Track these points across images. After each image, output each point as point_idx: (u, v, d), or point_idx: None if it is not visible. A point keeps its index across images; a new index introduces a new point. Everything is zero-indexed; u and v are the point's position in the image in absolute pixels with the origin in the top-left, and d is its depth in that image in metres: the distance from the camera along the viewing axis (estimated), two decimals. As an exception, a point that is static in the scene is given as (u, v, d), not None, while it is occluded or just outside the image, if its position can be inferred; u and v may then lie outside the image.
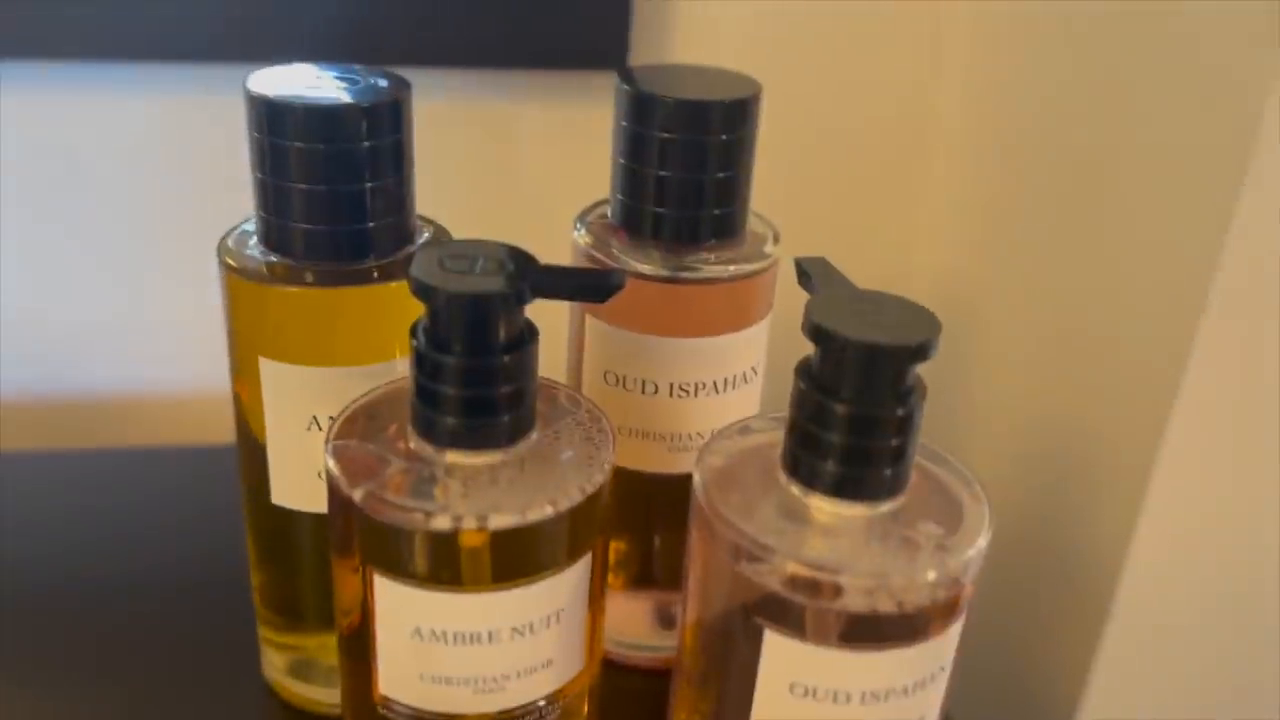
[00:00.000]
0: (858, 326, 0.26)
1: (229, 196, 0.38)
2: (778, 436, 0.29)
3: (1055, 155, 0.44)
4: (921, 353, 0.25)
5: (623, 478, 0.38)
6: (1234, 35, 0.34)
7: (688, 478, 0.29)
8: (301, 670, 0.38)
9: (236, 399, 0.34)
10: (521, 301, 0.26)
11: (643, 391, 0.35)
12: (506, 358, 0.27)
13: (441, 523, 0.27)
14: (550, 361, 0.32)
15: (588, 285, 0.27)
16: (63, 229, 0.50)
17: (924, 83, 0.52)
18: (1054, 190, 0.44)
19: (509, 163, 0.52)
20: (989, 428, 0.49)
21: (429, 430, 0.28)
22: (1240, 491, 0.39)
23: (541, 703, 0.30)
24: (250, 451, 0.35)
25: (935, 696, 0.29)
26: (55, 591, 0.43)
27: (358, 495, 0.27)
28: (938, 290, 0.54)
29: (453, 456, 0.28)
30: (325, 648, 0.37)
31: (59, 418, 0.54)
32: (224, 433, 0.40)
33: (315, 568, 0.36)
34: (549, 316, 0.31)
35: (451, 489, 0.27)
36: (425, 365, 0.27)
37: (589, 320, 0.36)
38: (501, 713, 0.29)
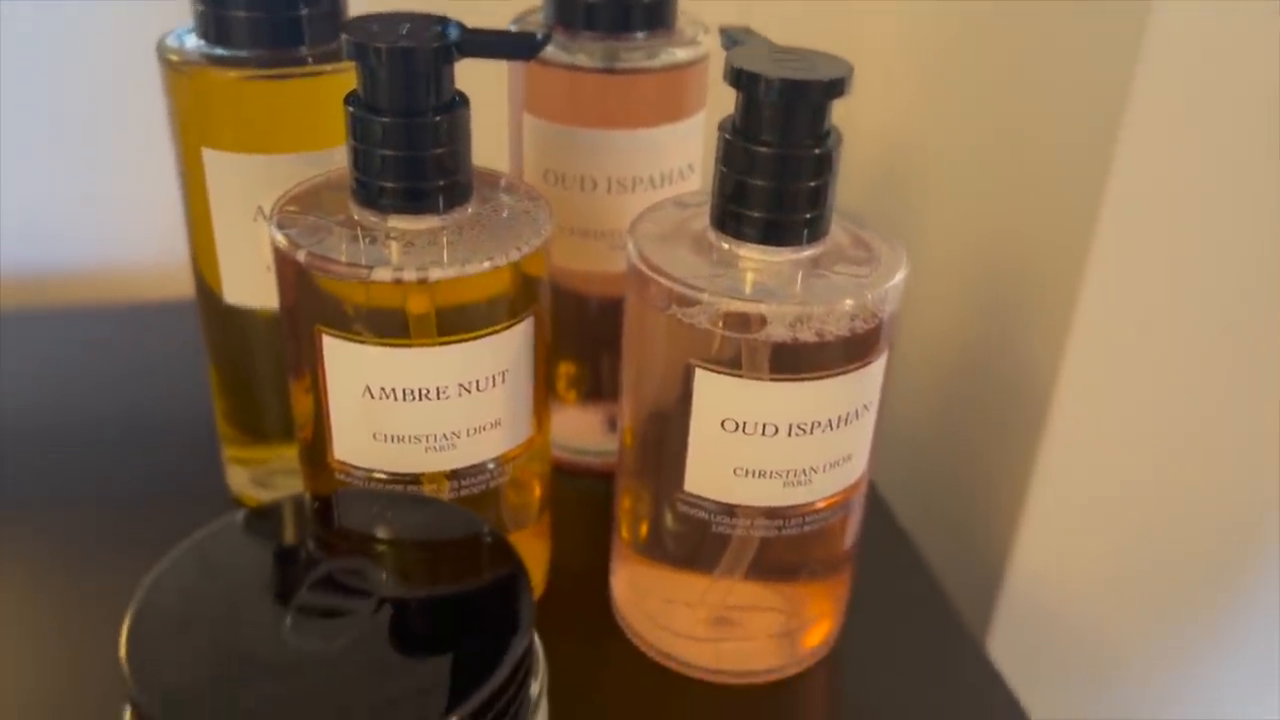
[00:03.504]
0: (776, 70, 0.27)
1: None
2: (707, 209, 0.30)
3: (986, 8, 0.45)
4: (836, 88, 0.26)
5: (571, 305, 0.40)
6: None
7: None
8: (263, 480, 0.39)
9: (186, 210, 0.35)
10: (450, 57, 0.27)
11: (582, 188, 0.36)
12: (439, 118, 0.28)
13: (383, 275, 0.28)
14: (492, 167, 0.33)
15: (513, 43, 0.28)
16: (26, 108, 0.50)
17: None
18: (984, 39, 0.45)
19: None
20: (932, 261, 0.51)
21: (369, 197, 0.29)
22: (1157, 310, 0.41)
23: (491, 464, 0.31)
24: (203, 264, 0.36)
25: (861, 437, 0.30)
26: (38, 432, 0.44)
27: (302, 255, 0.28)
28: (881, 140, 0.55)
29: (394, 221, 0.29)
30: (283, 457, 0.39)
31: (28, 291, 0.55)
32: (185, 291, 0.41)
33: (270, 381, 0.38)
34: (487, 120, 0.32)
35: (393, 248, 0.28)
36: (361, 130, 0.28)
37: (527, 119, 0.36)
38: (453, 472, 0.31)
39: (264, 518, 0.28)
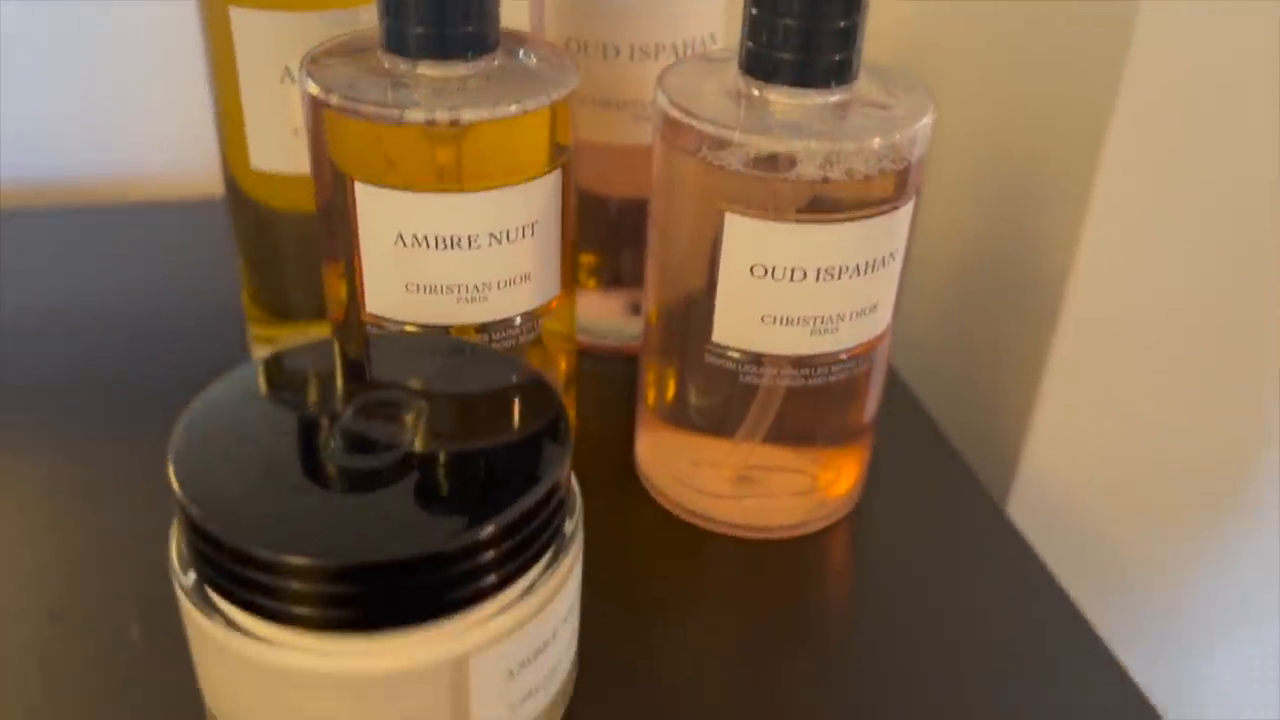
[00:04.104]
0: (806, -94, 0.27)
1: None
2: (734, 63, 0.30)
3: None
4: (867, -79, 0.26)
5: (592, 207, 0.40)
6: None
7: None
8: (290, 356, 0.40)
9: (211, 76, 0.35)
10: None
11: (604, 56, 0.36)
12: (468, -41, 0.28)
13: (415, 116, 0.28)
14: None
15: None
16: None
17: None
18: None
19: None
20: (949, 149, 0.51)
21: (398, 43, 0.29)
22: (1174, 201, 0.41)
23: (519, 319, 0.32)
24: (229, 136, 0.36)
25: (887, 286, 0.31)
26: (63, 320, 0.44)
27: (334, 100, 0.28)
28: (893, 41, 0.55)
29: (423, 68, 0.29)
30: (308, 335, 0.39)
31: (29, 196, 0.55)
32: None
33: (296, 260, 0.38)
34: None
35: (423, 92, 0.29)
36: (391, -27, 0.28)
37: (549, -15, 0.36)
38: (483, 326, 0.31)
39: (308, 353, 0.28)
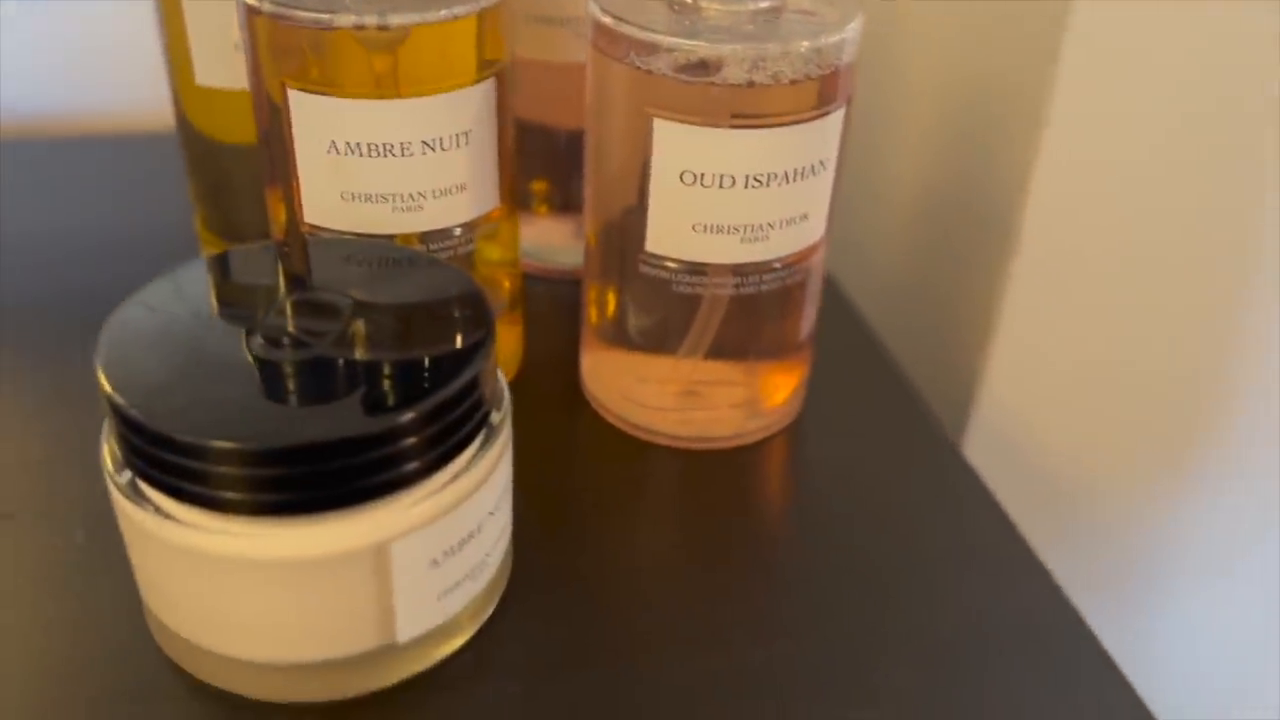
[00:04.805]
0: None
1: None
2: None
3: None
4: None
5: (538, 138, 0.40)
6: None
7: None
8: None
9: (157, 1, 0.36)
10: None
11: (549, -24, 0.37)
12: None
13: (344, 20, 0.28)
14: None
15: None
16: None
17: None
18: None
19: None
20: (910, 95, 0.51)
21: (331, -49, 0.29)
22: (1130, 118, 0.41)
23: (458, 230, 0.32)
24: (174, 55, 0.36)
25: (818, 196, 0.31)
26: (24, 243, 0.45)
27: (266, 6, 0.28)
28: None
29: (355, -23, 0.29)
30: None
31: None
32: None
33: (240, 185, 0.39)
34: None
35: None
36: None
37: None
38: (422, 236, 0.32)
39: (244, 256, 0.29)
